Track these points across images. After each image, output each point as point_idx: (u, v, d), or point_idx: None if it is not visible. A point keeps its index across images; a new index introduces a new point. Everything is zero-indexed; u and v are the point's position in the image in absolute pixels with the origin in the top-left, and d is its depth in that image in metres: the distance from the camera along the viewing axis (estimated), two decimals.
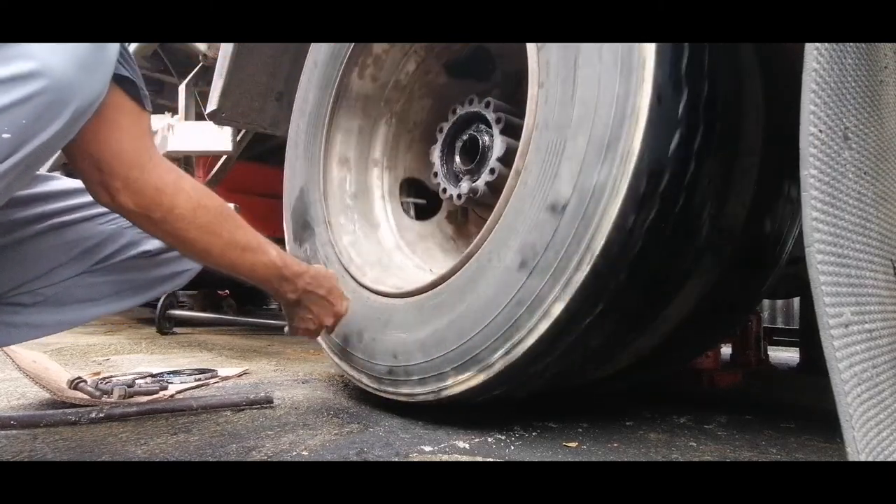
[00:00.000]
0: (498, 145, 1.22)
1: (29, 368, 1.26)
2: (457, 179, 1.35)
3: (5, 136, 0.55)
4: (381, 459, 0.89)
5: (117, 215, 0.92)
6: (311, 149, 1.49)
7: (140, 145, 0.73)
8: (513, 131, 1.20)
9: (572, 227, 0.89)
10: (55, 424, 1.04)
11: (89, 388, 1.22)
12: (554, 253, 0.91)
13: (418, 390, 1.10)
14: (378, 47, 1.42)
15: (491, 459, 0.90)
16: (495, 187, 1.18)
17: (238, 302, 4.56)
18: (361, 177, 1.50)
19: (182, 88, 2.65)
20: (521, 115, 1.02)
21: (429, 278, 1.14)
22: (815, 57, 0.58)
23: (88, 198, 0.90)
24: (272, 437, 1.00)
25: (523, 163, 0.98)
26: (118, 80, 0.68)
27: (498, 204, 1.01)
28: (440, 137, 1.39)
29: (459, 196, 1.31)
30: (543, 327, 0.92)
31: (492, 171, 1.22)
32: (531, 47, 1.00)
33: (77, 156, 0.71)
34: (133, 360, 1.96)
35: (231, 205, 0.99)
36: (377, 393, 1.20)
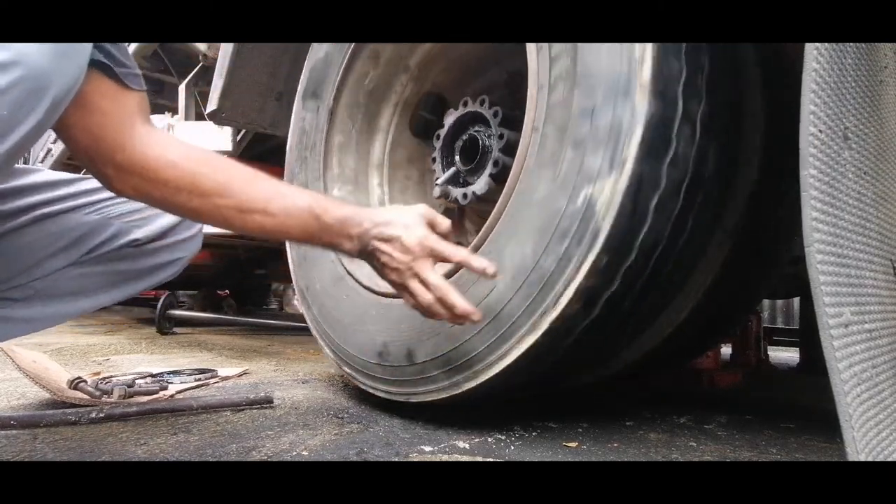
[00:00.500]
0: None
1: (29, 368, 1.26)
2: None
3: None
4: (381, 459, 0.89)
5: (104, 205, 0.91)
6: None
7: (120, 126, 0.71)
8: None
9: None
10: (55, 424, 1.04)
11: (89, 388, 1.22)
12: None
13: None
14: None
15: (491, 459, 0.90)
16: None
17: (238, 302, 4.57)
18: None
19: (182, 88, 2.65)
20: None
21: None
22: (815, 57, 0.58)
23: (71, 189, 0.89)
24: (272, 437, 1.00)
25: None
26: (98, 65, 0.67)
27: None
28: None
29: None
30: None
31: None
32: (531, 47, 1.01)
33: (73, 149, 0.72)
34: (133, 360, 1.96)
35: None
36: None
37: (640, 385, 1.62)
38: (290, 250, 1.54)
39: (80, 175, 0.92)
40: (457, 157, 1.33)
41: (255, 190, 0.79)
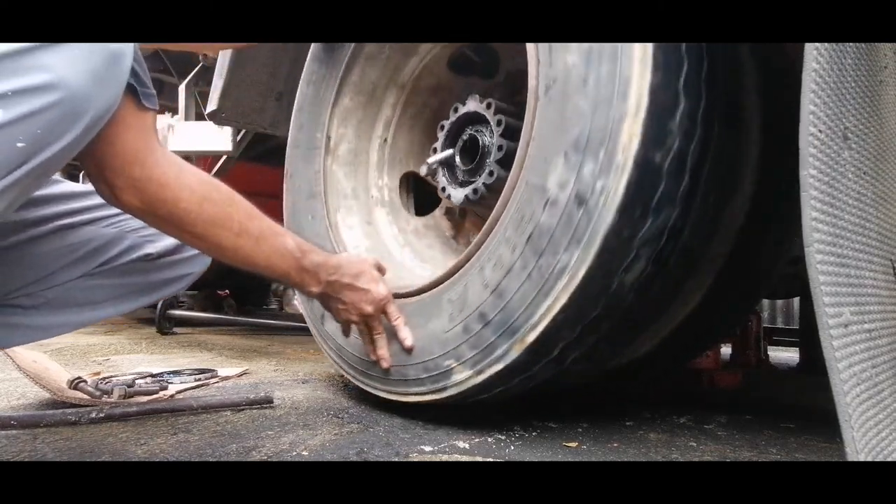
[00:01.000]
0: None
1: (29, 368, 1.26)
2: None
3: (20, 144, 0.56)
4: (381, 459, 0.89)
5: (120, 219, 0.92)
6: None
7: (141, 142, 0.72)
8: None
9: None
10: (55, 424, 1.04)
11: (89, 388, 1.22)
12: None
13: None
14: None
15: (491, 459, 0.90)
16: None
17: (238, 302, 4.56)
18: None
19: (182, 88, 2.65)
20: None
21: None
22: (815, 57, 0.58)
23: (93, 201, 0.91)
24: (272, 437, 1.00)
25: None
26: (128, 87, 0.68)
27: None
28: None
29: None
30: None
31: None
32: (531, 47, 1.01)
33: (81, 154, 0.72)
34: (133, 360, 1.96)
35: None
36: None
37: (640, 385, 1.62)
38: None
39: None
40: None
41: (252, 224, 0.85)
